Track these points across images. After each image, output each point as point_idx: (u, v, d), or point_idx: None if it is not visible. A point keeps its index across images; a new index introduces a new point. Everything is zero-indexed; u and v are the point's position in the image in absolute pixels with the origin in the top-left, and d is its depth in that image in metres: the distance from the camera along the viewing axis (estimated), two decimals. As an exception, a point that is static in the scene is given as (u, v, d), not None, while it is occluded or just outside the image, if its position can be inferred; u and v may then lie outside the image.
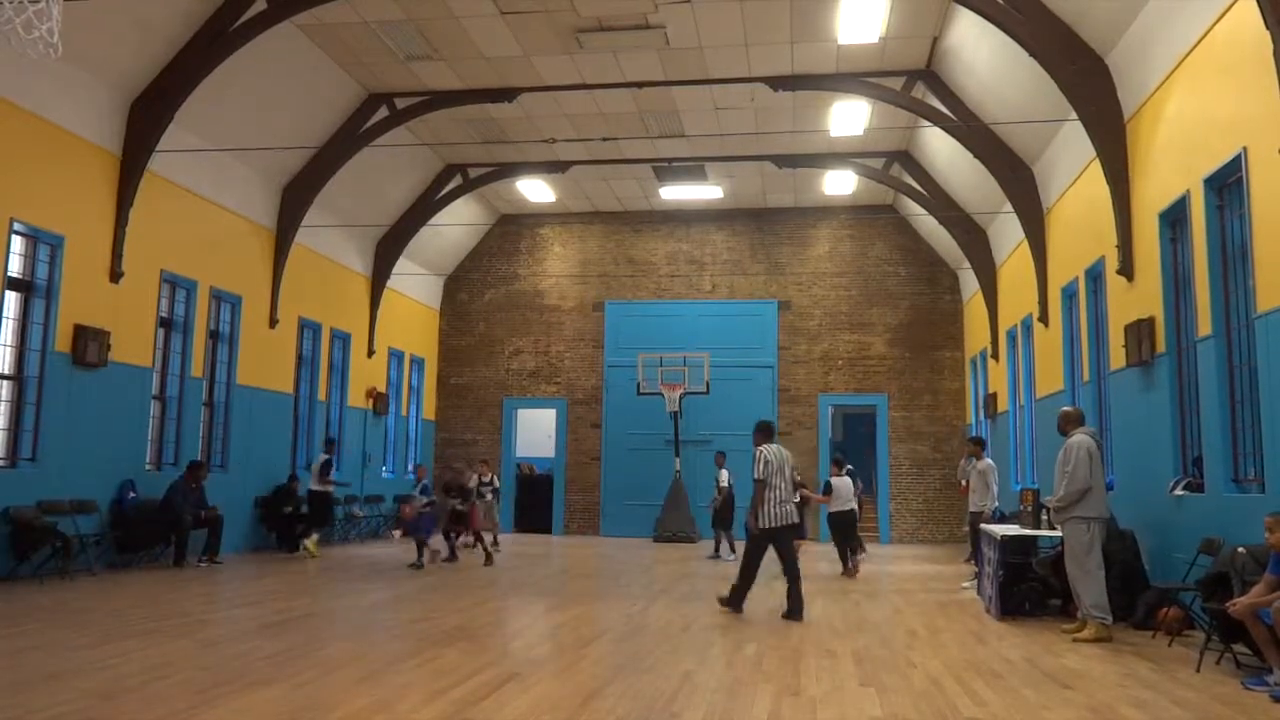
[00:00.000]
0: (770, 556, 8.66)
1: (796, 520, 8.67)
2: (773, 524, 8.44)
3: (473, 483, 14.99)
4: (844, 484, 12.79)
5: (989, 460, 11.95)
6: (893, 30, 12.26)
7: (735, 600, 8.64)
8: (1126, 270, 9.71)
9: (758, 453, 8.63)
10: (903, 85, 13.43)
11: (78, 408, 10.86)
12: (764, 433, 8.90)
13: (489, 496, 15.06)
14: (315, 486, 14.05)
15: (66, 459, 10.67)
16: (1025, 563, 8.92)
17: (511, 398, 20.43)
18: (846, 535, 12.60)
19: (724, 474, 14.35)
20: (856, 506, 13.24)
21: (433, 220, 18.13)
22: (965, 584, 11.18)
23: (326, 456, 14.29)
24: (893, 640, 7.36)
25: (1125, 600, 8.01)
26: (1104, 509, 7.67)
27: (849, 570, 12.25)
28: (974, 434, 15.56)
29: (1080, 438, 7.67)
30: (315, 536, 13.72)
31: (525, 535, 19.04)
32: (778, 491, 8.51)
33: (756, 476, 8.51)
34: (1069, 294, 12.14)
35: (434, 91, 14.34)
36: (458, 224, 19.22)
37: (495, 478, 15.53)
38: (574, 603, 9.33)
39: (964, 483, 12.16)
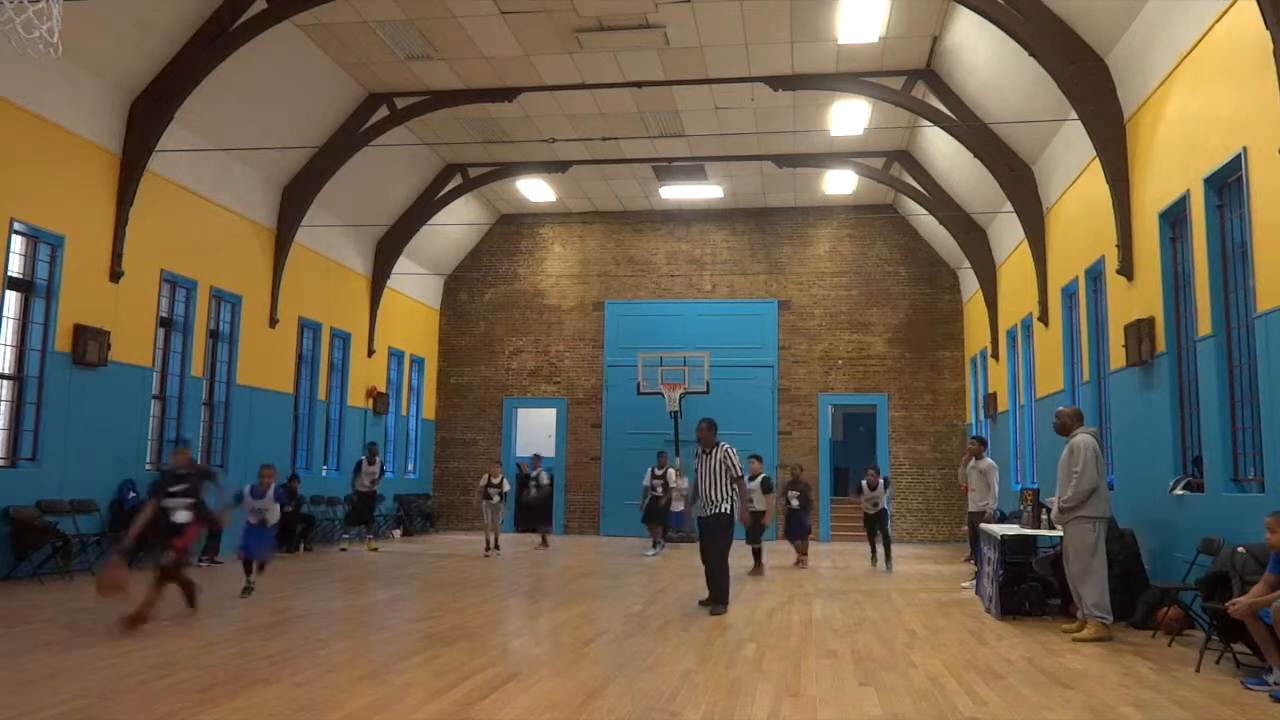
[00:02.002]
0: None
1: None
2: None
3: (482, 482, 14.80)
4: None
5: (990, 460, 11.94)
6: (893, 30, 12.26)
7: (725, 597, 8.83)
8: (1126, 270, 9.71)
9: (734, 451, 8.97)
10: (903, 85, 13.43)
11: (78, 408, 10.86)
12: (716, 430, 9.17)
13: (496, 499, 14.65)
14: (358, 487, 15.23)
15: (66, 459, 10.67)
16: (1025, 563, 8.91)
17: (511, 397, 20.43)
18: (757, 536, 12.60)
19: (672, 472, 15.38)
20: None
21: (433, 220, 18.14)
22: (965, 584, 11.18)
23: (359, 458, 15.45)
24: (893, 640, 7.36)
25: (1125, 600, 8.01)
26: (1108, 508, 7.67)
27: (759, 570, 12.35)
28: (975, 434, 15.56)
29: (1085, 437, 7.66)
30: (368, 537, 15.14)
31: (525, 535, 19.02)
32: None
33: (740, 475, 8.94)
34: (1069, 294, 12.14)
35: (434, 91, 14.34)
36: (458, 224, 19.22)
37: (505, 480, 15.18)
38: (574, 602, 9.33)
39: (964, 483, 12.11)
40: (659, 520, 15.53)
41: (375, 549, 14.84)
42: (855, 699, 5.34)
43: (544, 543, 16.02)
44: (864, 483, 13.70)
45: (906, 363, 19.18)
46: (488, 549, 14.47)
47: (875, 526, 13.56)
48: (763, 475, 13.32)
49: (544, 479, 16.06)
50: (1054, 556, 8.65)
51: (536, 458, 16.47)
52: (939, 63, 13.08)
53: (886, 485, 13.99)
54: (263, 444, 14.63)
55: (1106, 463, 9.41)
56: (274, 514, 9.46)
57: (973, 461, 11.70)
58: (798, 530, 13.62)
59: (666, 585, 10.80)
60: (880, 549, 13.45)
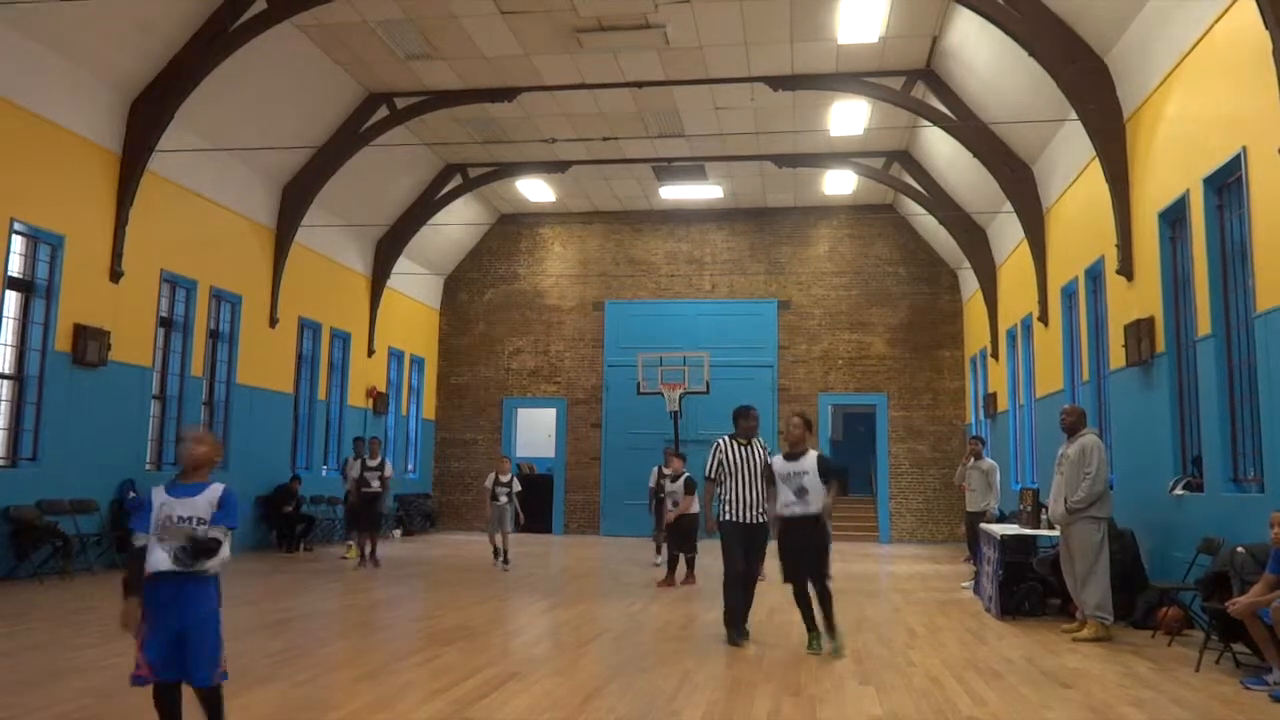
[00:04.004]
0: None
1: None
2: None
3: (488, 482, 12.68)
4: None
5: (990, 460, 11.94)
6: (892, 30, 12.26)
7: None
8: (1126, 270, 9.71)
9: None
10: (903, 85, 13.43)
11: (78, 408, 10.86)
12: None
13: (503, 500, 12.43)
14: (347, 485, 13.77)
15: (66, 459, 10.66)
16: (1025, 562, 8.92)
17: (511, 397, 20.43)
18: (689, 539, 11.10)
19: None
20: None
21: (433, 220, 18.14)
22: (965, 584, 11.18)
23: (347, 455, 14.25)
24: (892, 639, 7.36)
25: (1125, 600, 8.01)
26: (1111, 509, 7.69)
27: (675, 578, 10.89)
28: (974, 434, 15.56)
29: (1095, 438, 7.66)
30: (349, 542, 13.48)
31: (525, 535, 19.02)
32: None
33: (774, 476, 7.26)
34: (1069, 293, 12.14)
35: (434, 91, 14.33)
36: (458, 224, 19.22)
37: (515, 478, 12.81)
38: (574, 602, 9.33)
39: (963, 483, 12.07)
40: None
41: (356, 556, 12.79)
42: (855, 698, 5.34)
43: (372, 557, 12.54)
44: (774, 456, 7.19)
45: (906, 363, 19.18)
46: (496, 557, 12.42)
47: (802, 552, 6.73)
48: (685, 475, 11.51)
49: (388, 470, 13.05)
50: (1053, 556, 8.65)
51: (375, 441, 13.52)
52: (939, 63, 13.08)
53: (830, 475, 6.80)
54: (263, 444, 14.64)
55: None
56: (218, 554, 3.93)
57: (972, 461, 11.70)
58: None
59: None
60: (819, 610, 6.74)
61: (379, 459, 12.97)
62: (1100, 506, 7.51)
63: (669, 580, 10.87)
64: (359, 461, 12.98)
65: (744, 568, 7.08)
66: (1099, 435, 7.95)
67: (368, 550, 12.58)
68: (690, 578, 10.97)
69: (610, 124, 15.49)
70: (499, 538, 12.45)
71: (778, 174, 17.62)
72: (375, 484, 12.78)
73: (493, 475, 12.75)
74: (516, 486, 12.80)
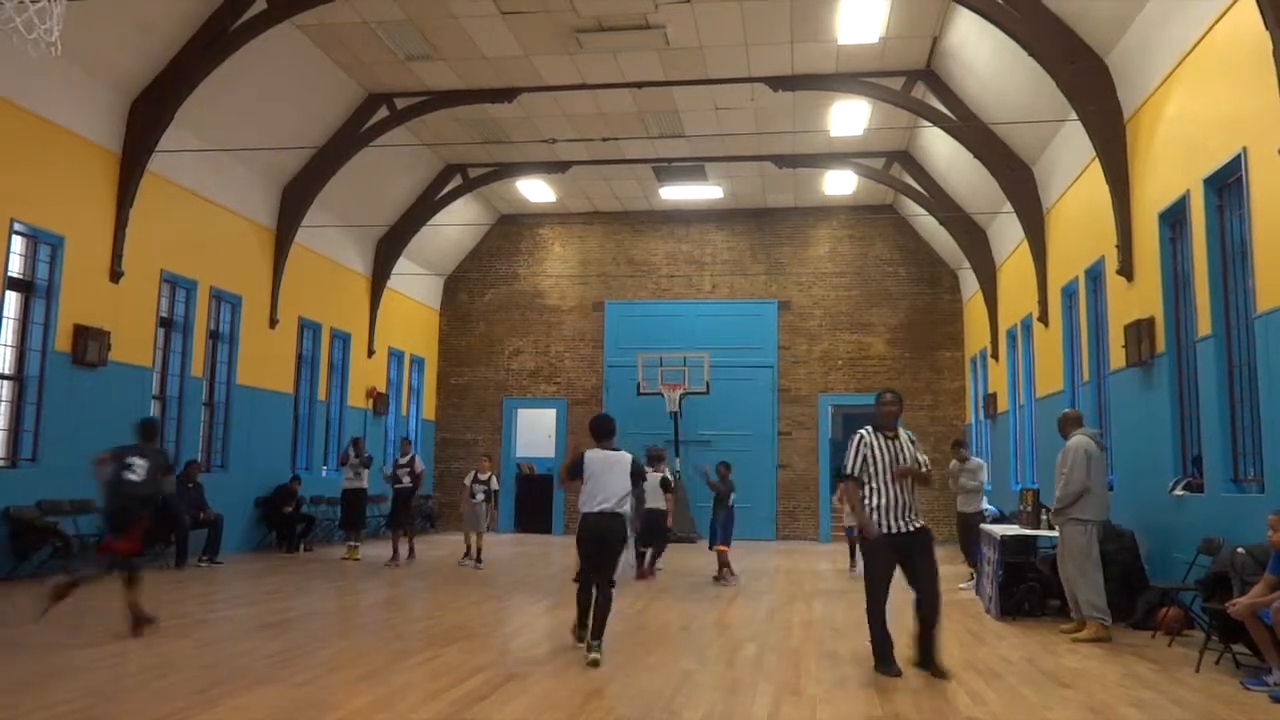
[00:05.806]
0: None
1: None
2: None
3: (467, 479, 12.85)
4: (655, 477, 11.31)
5: (976, 459, 11.97)
6: (893, 30, 12.26)
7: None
8: (1126, 270, 9.71)
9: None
10: (903, 85, 13.43)
11: (78, 408, 10.85)
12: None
13: (480, 497, 12.56)
14: (343, 484, 13.86)
15: (66, 459, 10.64)
16: (1025, 562, 8.92)
17: (511, 398, 20.42)
18: (656, 536, 11.53)
19: (658, 476, 11.67)
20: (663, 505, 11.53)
21: (433, 220, 18.14)
22: (963, 584, 11.18)
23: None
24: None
25: (1125, 600, 8.01)
26: (1101, 511, 7.66)
27: (646, 572, 11.31)
28: (957, 439, 15.50)
29: (1078, 439, 7.67)
30: (350, 542, 13.47)
31: (525, 535, 19.04)
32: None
33: (929, 471, 6.72)
34: (1069, 294, 12.14)
35: (434, 91, 14.33)
36: (458, 224, 19.22)
37: (494, 477, 13.07)
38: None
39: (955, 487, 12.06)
40: (656, 538, 11.74)
41: (356, 559, 12.96)
42: (855, 699, 5.34)
43: (409, 553, 13.05)
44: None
45: (906, 363, 19.18)
46: (465, 556, 12.54)
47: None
48: (663, 474, 11.63)
49: (419, 467, 13.50)
50: (1054, 557, 8.66)
51: (405, 441, 14.08)
52: (939, 63, 13.08)
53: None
54: (263, 444, 14.64)
55: (1107, 463, 9.41)
56: None
57: (953, 464, 11.77)
58: (715, 535, 11.49)
59: (666, 585, 10.79)
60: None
61: (409, 455, 13.35)
62: (1084, 509, 7.52)
63: (641, 573, 11.27)
64: (391, 459, 13.40)
65: (887, 588, 6.10)
66: (1097, 436, 7.94)
67: (404, 548, 12.95)
68: (648, 572, 11.39)
69: (610, 124, 15.49)
70: (474, 536, 12.59)
71: (778, 174, 17.61)
72: (406, 480, 13.12)
73: (472, 473, 12.97)
74: (494, 485, 12.99)
